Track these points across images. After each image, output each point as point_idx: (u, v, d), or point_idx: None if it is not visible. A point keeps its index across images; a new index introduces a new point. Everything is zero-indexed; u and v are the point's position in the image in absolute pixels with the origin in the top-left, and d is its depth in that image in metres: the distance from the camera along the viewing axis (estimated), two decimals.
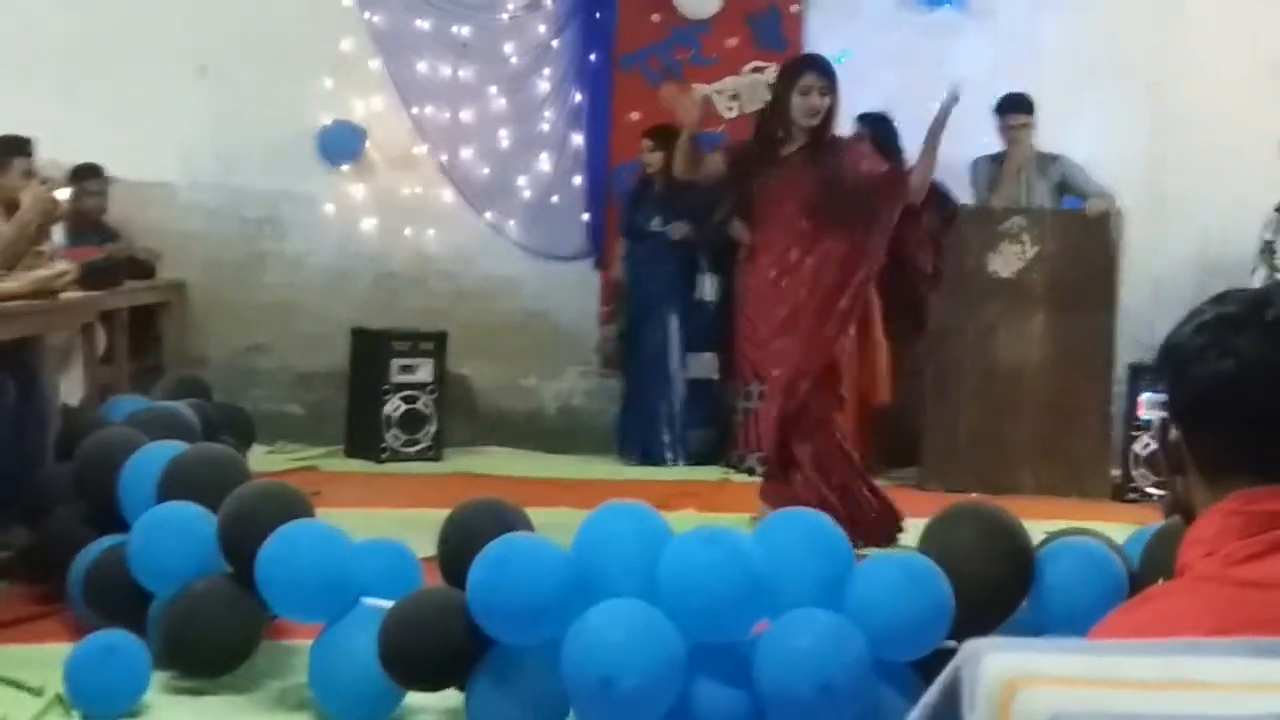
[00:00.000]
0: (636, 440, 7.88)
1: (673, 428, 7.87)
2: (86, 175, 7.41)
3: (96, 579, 4.15)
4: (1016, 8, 8.11)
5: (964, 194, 7.72)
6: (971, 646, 1.18)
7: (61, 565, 4.38)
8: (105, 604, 4.10)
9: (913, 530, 3.63)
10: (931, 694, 1.23)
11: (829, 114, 5.65)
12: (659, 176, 7.75)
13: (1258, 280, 7.35)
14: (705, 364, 7.93)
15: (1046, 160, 7.66)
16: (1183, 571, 1.61)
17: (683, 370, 7.89)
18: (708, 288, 7.86)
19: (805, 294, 5.63)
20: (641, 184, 7.93)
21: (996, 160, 7.71)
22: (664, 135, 7.79)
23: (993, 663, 1.12)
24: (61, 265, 5.24)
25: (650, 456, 7.82)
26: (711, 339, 7.93)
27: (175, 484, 4.17)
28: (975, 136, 7.82)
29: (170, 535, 3.98)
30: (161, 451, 4.37)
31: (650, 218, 7.81)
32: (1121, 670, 1.11)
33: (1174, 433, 1.70)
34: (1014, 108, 7.55)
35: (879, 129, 7.74)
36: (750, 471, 7.57)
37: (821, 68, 5.71)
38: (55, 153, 7.09)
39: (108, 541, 4.24)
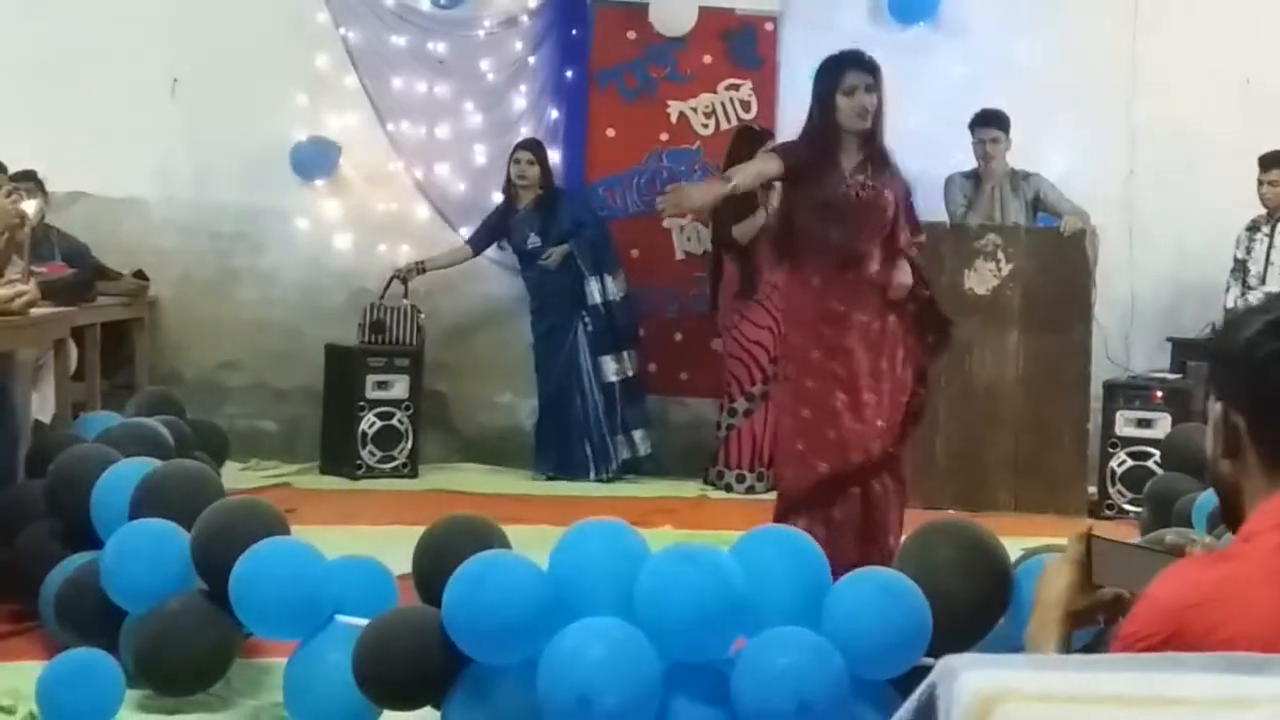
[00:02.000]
0: (551, 454, 7.83)
1: (593, 441, 7.79)
2: (22, 181, 7.22)
3: (69, 596, 4.12)
4: (990, 25, 8.15)
5: (939, 212, 7.75)
6: (947, 663, 1.18)
7: (33, 583, 4.35)
8: (78, 622, 4.07)
9: None
10: (905, 710, 1.23)
11: (878, 116, 5.01)
12: (529, 192, 7.74)
13: (1230, 299, 7.40)
14: (624, 363, 7.86)
15: (1020, 178, 7.69)
16: (1248, 538, 1.73)
17: (599, 377, 7.79)
18: (610, 288, 7.81)
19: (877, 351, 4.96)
20: (508, 201, 7.85)
21: (971, 178, 7.74)
22: (543, 150, 7.82)
23: (969, 679, 1.12)
24: (21, 285, 5.19)
25: (567, 471, 7.72)
26: (620, 339, 7.86)
27: (148, 501, 4.15)
28: (950, 154, 7.86)
29: (143, 552, 3.95)
30: (134, 468, 4.34)
31: (526, 235, 7.78)
32: (1098, 687, 1.11)
33: (1236, 420, 1.81)
34: (985, 122, 7.59)
35: None
36: (729, 488, 7.57)
37: (865, 64, 5.05)
38: (28, 169, 7.07)
39: (80, 559, 4.21)
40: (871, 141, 5.01)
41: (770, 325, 7.57)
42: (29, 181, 7.21)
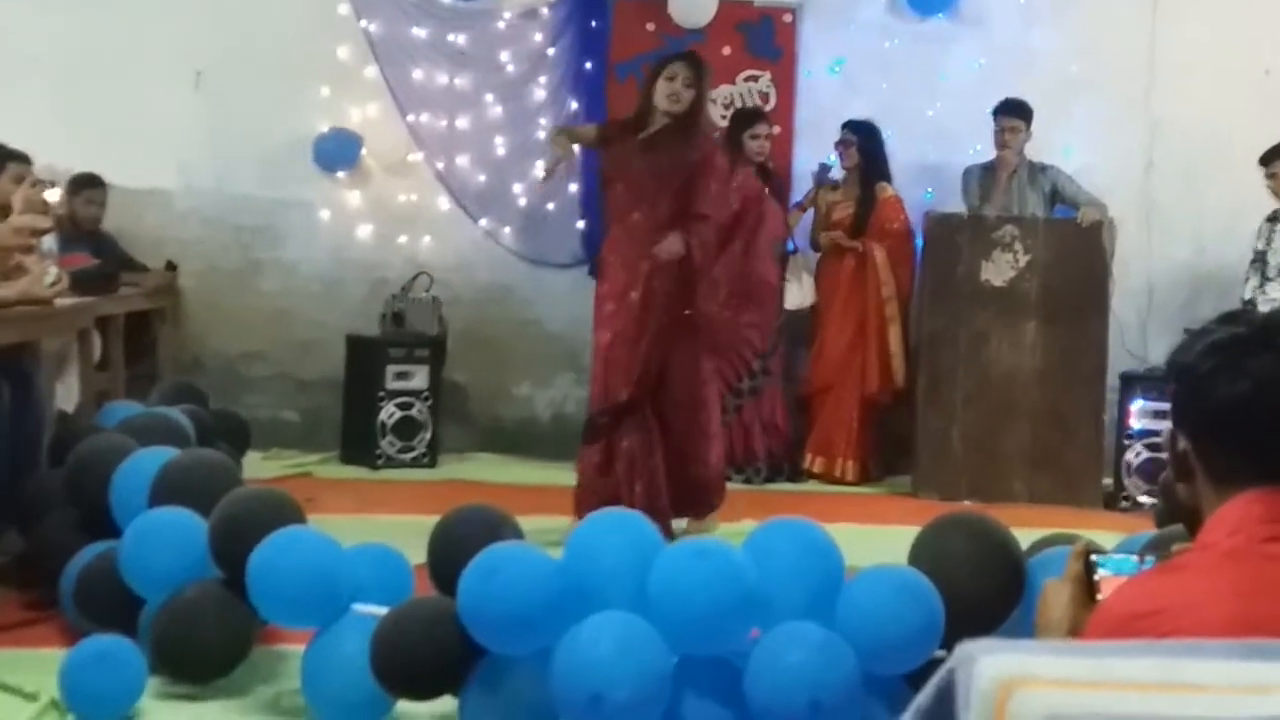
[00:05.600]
0: None
1: None
2: (87, 184, 7.41)
3: (88, 585, 4.14)
4: (1008, 17, 8.13)
5: (957, 203, 7.75)
6: (966, 649, 1.18)
7: (53, 571, 4.37)
8: (96, 610, 4.09)
9: (904, 539, 3.62)
10: (925, 696, 1.24)
11: (693, 106, 5.81)
12: None
13: (1249, 290, 7.38)
14: None
15: (1037, 169, 7.68)
16: (1203, 547, 1.75)
17: None
18: None
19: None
20: None
21: (988, 169, 7.73)
22: None
23: (988, 664, 1.13)
24: (54, 273, 5.23)
25: None
26: None
27: (167, 490, 4.16)
28: (967, 145, 7.85)
29: (161, 541, 3.97)
30: (153, 457, 4.36)
31: None
32: (1117, 672, 1.11)
33: (1183, 444, 1.83)
34: (1006, 110, 7.59)
35: (865, 137, 7.76)
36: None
37: (690, 60, 5.95)
38: (52, 160, 7.10)
39: (99, 547, 4.23)
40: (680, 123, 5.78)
41: (757, 321, 7.56)
42: (97, 187, 7.37)
